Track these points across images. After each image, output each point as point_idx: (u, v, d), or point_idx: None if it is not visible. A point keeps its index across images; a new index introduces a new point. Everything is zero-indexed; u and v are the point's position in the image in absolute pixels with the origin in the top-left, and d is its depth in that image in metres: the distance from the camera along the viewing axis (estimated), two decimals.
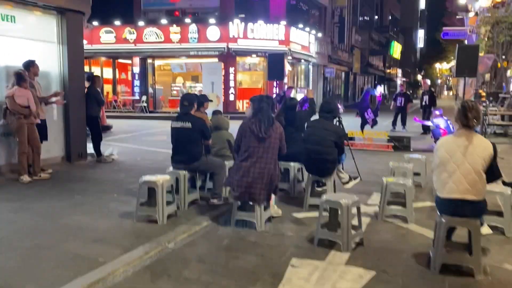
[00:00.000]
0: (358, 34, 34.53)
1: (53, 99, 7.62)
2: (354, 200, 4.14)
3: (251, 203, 4.66)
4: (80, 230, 4.57)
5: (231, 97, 20.52)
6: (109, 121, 15.61)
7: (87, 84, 8.80)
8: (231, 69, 20.25)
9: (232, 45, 20.13)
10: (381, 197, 5.11)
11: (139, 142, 12.08)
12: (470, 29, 18.44)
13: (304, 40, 22.90)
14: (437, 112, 11.57)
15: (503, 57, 17.01)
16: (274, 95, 15.15)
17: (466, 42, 19.52)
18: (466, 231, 3.75)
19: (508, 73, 17.70)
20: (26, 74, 6.89)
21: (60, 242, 4.20)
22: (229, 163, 6.11)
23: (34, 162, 6.97)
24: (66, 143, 8.43)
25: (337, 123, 5.95)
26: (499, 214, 4.75)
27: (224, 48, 19.97)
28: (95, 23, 21.22)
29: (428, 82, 15.36)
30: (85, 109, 8.62)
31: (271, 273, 3.60)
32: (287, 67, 21.74)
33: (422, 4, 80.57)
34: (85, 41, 21.55)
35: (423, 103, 14.11)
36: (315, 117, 5.90)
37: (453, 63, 59.31)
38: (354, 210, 4.22)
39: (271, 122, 4.61)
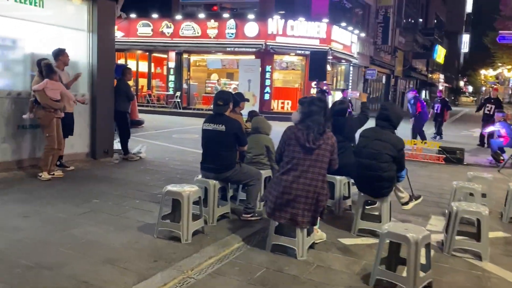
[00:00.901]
0: (402, 35, 32.96)
1: (77, 98, 7.06)
2: (424, 235, 3.29)
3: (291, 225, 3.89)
4: (90, 246, 3.92)
5: (266, 97, 19.72)
6: (141, 116, 15.19)
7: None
8: (268, 67, 19.45)
9: (270, 42, 19.34)
10: (449, 227, 4.21)
11: (169, 140, 11.52)
12: None
13: (346, 39, 21.84)
14: (499, 115, 10.42)
15: None
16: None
17: None
18: None
19: None
20: (55, 64, 6.40)
21: (65, 262, 3.55)
22: (265, 173, 5.36)
23: (53, 158, 6.44)
24: (92, 139, 7.91)
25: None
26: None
27: (262, 45, 19.21)
28: (133, 15, 20.92)
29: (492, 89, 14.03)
30: (113, 103, 8.08)
31: None
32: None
33: (469, 8, 77.28)
34: (122, 33, 21.50)
35: (486, 112, 12.98)
36: (370, 124, 5.06)
37: (500, 70, 56.32)
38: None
39: (321, 130, 3.82)
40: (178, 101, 20.92)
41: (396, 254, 3.49)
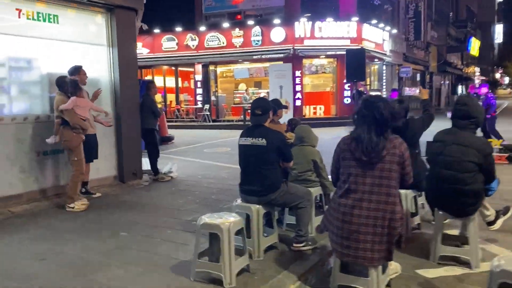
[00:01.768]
0: (434, 30, 31.49)
1: (100, 117, 6.52)
2: None
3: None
4: None
5: (298, 103, 18.91)
6: (171, 132, 14.70)
7: None
8: (297, 72, 18.66)
9: (298, 46, 18.58)
10: None
11: (201, 155, 10.88)
12: None
13: (378, 37, 20.81)
14: None
15: None
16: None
17: None
18: None
19: None
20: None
21: None
22: (314, 191, 4.56)
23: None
24: (119, 161, 7.32)
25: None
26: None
27: (289, 49, 18.47)
28: (157, 30, 20.67)
29: None
30: (139, 121, 7.49)
31: None
32: None
33: None
34: (147, 50, 21.22)
35: None
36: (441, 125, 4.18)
37: None
38: None
39: (380, 137, 2.97)
40: (207, 114, 20.41)
41: None
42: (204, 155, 10.87)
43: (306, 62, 20.06)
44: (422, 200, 4.77)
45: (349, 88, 19.30)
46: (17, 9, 5.95)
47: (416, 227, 4.66)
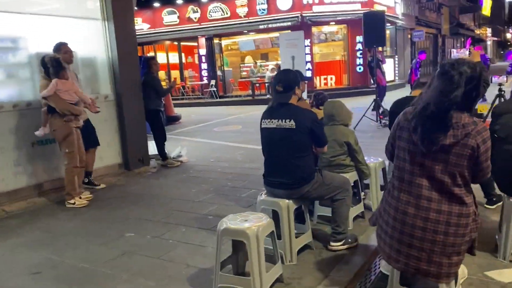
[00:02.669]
0: None
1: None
2: None
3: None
4: None
5: (308, 74, 18.05)
6: (177, 111, 14.01)
7: None
8: (306, 41, 17.70)
9: (306, 13, 17.58)
10: None
11: (211, 135, 10.22)
12: None
13: (390, 0, 19.66)
14: None
15: None
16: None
17: None
18: None
19: None
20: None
21: None
22: (350, 176, 3.89)
23: (78, 178, 5.25)
24: (123, 147, 6.69)
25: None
26: None
27: (297, 17, 17.50)
28: (157, 4, 19.70)
29: None
30: (142, 103, 6.81)
31: None
32: None
33: None
34: (147, 25, 20.30)
35: None
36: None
37: None
38: None
39: (448, 121, 2.22)
40: (214, 90, 19.64)
41: None
42: (214, 135, 10.21)
43: (314, 30, 19.08)
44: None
45: (361, 56, 18.37)
46: None
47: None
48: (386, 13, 19.05)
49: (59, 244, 3.94)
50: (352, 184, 3.96)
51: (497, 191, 3.67)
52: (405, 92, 18.69)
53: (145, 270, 3.31)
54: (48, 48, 5.45)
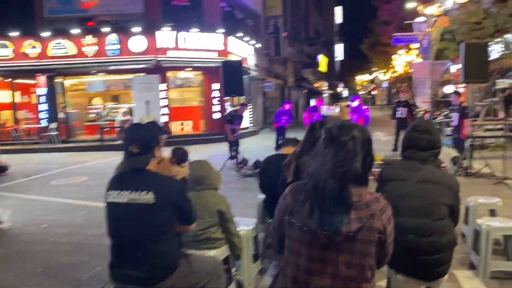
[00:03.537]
0: (291, 46, 32.89)
1: None
2: None
3: None
4: None
5: (163, 119, 17.24)
6: (5, 159, 11.71)
7: None
8: (163, 85, 17.02)
9: (161, 57, 16.98)
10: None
11: (47, 190, 8.54)
12: (421, 35, 17.21)
13: (243, 51, 20.36)
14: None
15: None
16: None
17: (419, 47, 18.33)
18: None
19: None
20: None
21: None
22: (220, 253, 3.19)
23: None
24: None
25: None
26: None
27: (152, 60, 16.77)
28: None
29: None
30: None
31: None
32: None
33: (338, 19, 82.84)
34: None
35: (399, 116, 11.84)
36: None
37: (375, 74, 60.83)
38: None
39: (348, 200, 1.75)
40: (54, 134, 17.32)
41: None
42: (51, 190, 8.56)
43: (170, 75, 18.58)
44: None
45: (218, 103, 18.39)
46: None
47: None
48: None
49: None
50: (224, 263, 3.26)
51: None
52: (260, 138, 19.32)
53: None
54: None
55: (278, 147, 12.91)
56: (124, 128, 15.83)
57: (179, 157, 4.16)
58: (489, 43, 9.36)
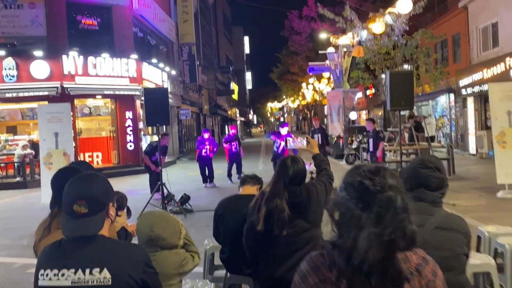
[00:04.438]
0: (204, 74, 32.66)
1: None
2: None
3: None
4: None
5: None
6: None
7: None
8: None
9: (68, 84, 15.51)
10: None
11: None
12: (333, 65, 18.00)
13: (158, 78, 19.55)
14: None
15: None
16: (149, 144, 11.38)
17: (331, 76, 19.12)
18: None
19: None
20: None
21: None
22: None
23: None
24: None
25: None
26: None
27: (57, 88, 15.24)
28: None
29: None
30: None
31: None
32: (140, 110, 18.07)
33: (247, 49, 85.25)
34: None
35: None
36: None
37: (285, 102, 63.08)
38: None
39: (399, 271, 1.32)
40: None
41: None
42: None
43: (78, 102, 17.09)
44: None
45: (131, 132, 17.27)
46: None
47: None
48: None
49: None
50: None
51: None
52: (180, 168, 18.34)
53: None
54: None
55: (204, 179, 12.18)
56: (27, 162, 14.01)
57: (116, 202, 3.41)
58: None
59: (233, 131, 13.27)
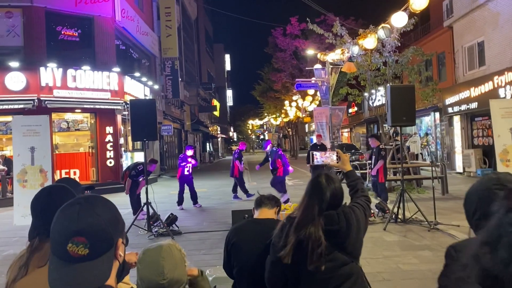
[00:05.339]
0: (186, 89, 32.10)
1: None
2: None
3: None
4: None
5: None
6: None
7: None
8: None
9: (45, 97, 14.74)
10: None
11: None
12: (321, 80, 17.73)
13: (140, 92, 18.90)
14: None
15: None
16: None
17: (318, 93, 18.87)
18: None
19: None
20: None
21: None
22: None
23: None
24: None
25: None
26: None
27: (33, 100, 14.45)
28: None
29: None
30: None
31: None
32: (120, 125, 17.36)
33: (228, 66, 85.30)
34: None
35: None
36: None
37: (266, 119, 62.83)
38: None
39: None
40: None
41: None
42: None
43: (56, 116, 16.28)
44: None
45: (111, 148, 16.50)
46: None
47: None
48: None
49: None
50: None
51: None
52: (161, 186, 17.58)
53: None
54: None
55: (180, 201, 11.36)
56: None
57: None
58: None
59: (189, 152, 12.05)
